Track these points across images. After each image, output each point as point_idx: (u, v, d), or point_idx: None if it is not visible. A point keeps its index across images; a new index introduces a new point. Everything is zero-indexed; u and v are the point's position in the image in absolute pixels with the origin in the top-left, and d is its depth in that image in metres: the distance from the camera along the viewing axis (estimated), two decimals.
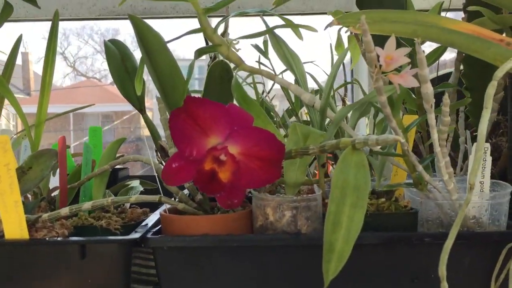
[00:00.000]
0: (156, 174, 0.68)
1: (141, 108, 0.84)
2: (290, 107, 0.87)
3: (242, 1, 1.38)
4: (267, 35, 0.73)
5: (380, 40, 0.58)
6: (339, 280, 0.52)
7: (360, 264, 0.63)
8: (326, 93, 0.64)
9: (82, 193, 0.80)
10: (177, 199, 0.69)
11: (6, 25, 1.67)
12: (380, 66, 0.54)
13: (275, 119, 0.91)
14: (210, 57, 1.02)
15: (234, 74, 0.68)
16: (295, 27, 0.68)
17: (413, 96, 0.78)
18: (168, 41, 0.64)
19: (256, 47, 0.81)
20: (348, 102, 1.09)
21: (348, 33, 0.61)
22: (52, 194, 0.82)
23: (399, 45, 0.55)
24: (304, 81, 0.68)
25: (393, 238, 0.63)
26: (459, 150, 0.83)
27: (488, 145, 0.69)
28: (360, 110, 0.74)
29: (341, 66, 1.02)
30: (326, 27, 0.63)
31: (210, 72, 0.75)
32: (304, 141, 0.62)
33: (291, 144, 0.63)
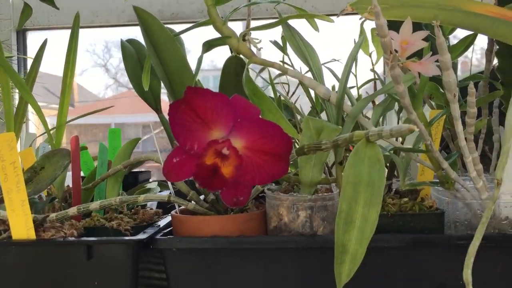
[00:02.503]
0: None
1: (157, 108, 0.82)
2: (311, 106, 0.83)
3: None
4: (282, 28, 0.70)
5: (399, 28, 0.54)
6: (356, 285, 0.48)
7: (381, 268, 0.59)
8: (342, 84, 0.60)
9: (97, 194, 0.79)
10: (188, 199, 0.66)
11: (49, 34, 1.71)
12: (396, 52, 0.50)
13: (299, 118, 0.87)
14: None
15: (247, 66, 0.65)
16: (310, 17, 0.65)
17: (441, 90, 0.73)
18: (176, 34, 0.61)
19: (275, 43, 0.77)
20: (377, 101, 1.04)
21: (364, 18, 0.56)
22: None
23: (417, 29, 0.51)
24: (320, 74, 0.64)
25: (416, 240, 0.58)
26: (494, 147, 0.77)
27: None
28: (383, 105, 0.70)
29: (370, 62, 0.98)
30: (340, 13, 0.59)
31: (225, 67, 0.73)
32: (317, 136, 0.58)
33: (305, 140, 0.60)
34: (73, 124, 0.95)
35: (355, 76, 0.87)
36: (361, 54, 0.89)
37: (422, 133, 0.56)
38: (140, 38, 0.68)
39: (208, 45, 0.61)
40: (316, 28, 0.66)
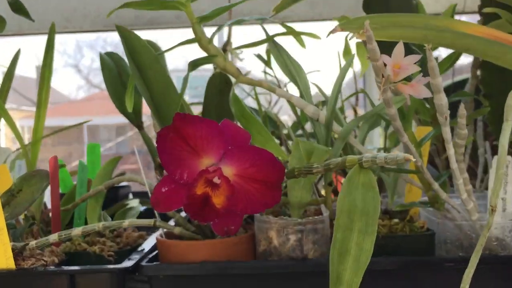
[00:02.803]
0: (150, 195, 0.64)
1: (138, 124, 0.79)
2: (295, 121, 0.82)
3: (244, 8, 1.33)
4: (268, 44, 0.69)
5: (389, 47, 0.53)
6: None
7: None
8: (331, 105, 0.59)
9: (77, 216, 0.76)
10: (173, 222, 0.65)
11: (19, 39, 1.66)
12: (388, 75, 0.49)
13: (284, 132, 0.86)
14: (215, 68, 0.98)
15: (234, 86, 0.63)
16: (297, 35, 0.63)
17: (427, 105, 0.72)
18: (159, 53, 0.59)
19: (259, 56, 0.76)
20: (361, 111, 1.04)
21: (356, 39, 0.56)
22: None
23: (409, 51, 0.50)
24: (308, 92, 0.63)
25: (408, 263, 0.58)
26: (479, 162, 0.78)
27: (510, 158, 0.63)
28: (369, 122, 0.69)
29: (353, 73, 0.97)
30: (329, 34, 0.58)
31: (209, 84, 0.71)
32: (308, 159, 0.56)
33: (295, 162, 0.59)
34: (45, 126, 0.92)
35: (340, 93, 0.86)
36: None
37: (413, 155, 0.55)
38: (117, 40, 0.65)
39: (194, 65, 0.59)
40: (303, 45, 0.65)
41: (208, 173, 0.47)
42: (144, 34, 0.65)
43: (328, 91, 0.79)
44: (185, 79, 0.59)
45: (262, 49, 0.79)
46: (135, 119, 0.79)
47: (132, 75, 0.59)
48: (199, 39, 0.60)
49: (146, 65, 0.58)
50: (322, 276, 0.57)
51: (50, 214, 0.76)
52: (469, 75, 0.83)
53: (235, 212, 0.49)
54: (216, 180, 0.47)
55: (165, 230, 0.64)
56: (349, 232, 0.47)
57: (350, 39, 0.56)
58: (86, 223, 0.76)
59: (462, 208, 0.59)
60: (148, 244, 0.70)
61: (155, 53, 0.58)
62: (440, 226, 0.61)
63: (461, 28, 0.54)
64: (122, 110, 0.80)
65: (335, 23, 1.03)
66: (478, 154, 0.78)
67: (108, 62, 0.81)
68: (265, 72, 0.94)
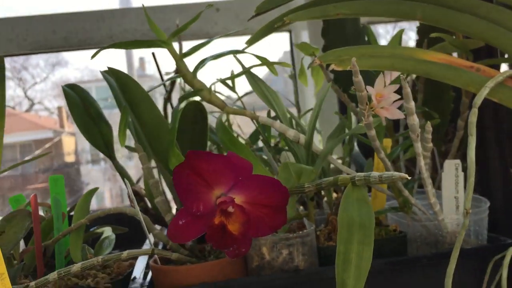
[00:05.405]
0: (143, 224, 0.66)
1: (110, 155, 0.81)
2: (260, 136, 0.87)
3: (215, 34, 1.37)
4: (239, 69, 0.73)
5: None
6: None
7: None
8: (310, 129, 0.65)
9: (57, 251, 0.75)
10: (167, 248, 0.67)
11: None
12: (372, 103, 0.56)
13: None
14: (166, 91, 1.00)
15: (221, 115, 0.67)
16: (270, 64, 0.69)
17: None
18: (149, 90, 0.62)
19: (224, 83, 0.80)
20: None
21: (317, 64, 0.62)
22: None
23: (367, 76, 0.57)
24: (285, 117, 0.68)
25: (389, 263, 0.65)
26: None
27: (458, 161, 0.73)
28: (335, 139, 0.76)
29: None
30: (309, 66, 0.64)
31: (184, 112, 0.74)
32: (298, 179, 0.62)
33: (282, 182, 0.64)
34: None
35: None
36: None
37: (388, 169, 0.63)
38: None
39: (183, 99, 0.63)
40: (275, 73, 0.70)
41: (225, 204, 0.51)
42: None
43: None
44: (176, 113, 0.62)
45: (224, 72, 0.83)
46: (107, 150, 0.80)
47: (123, 111, 0.61)
48: (184, 75, 0.63)
49: (138, 102, 0.60)
50: (314, 284, 0.64)
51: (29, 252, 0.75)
52: None
53: (248, 237, 0.53)
54: (230, 209, 0.51)
55: (158, 256, 0.67)
56: (349, 244, 0.54)
57: (309, 67, 0.63)
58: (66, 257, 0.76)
59: (427, 210, 0.68)
60: (137, 270, 0.72)
61: (145, 91, 0.60)
62: (409, 227, 0.69)
63: (422, 56, 0.62)
64: (92, 141, 0.81)
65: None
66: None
67: (72, 95, 0.82)
68: (219, 92, 0.99)
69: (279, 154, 0.82)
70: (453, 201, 0.72)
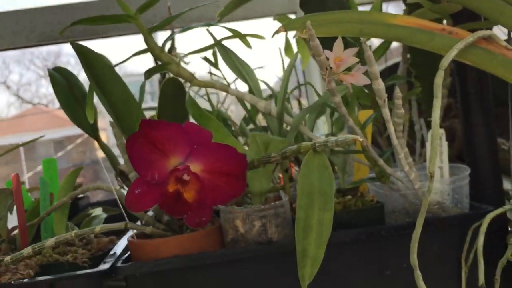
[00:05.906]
0: (118, 200, 0.67)
1: (95, 136, 0.81)
2: (247, 115, 0.87)
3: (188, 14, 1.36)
4: (215, 47, 0.73)
5: (330, 41, 0.59)
6: (314, 282, 0.53)
7: (333, 263, 0.64)
8: (281, 99, 0.64)
9: (43, 229, 0.77)
10: (143, 223, 0.68)
11: None
12: (331, 68, 0.55)
13: (232, 129, 0.90)
14: (160, 74, 1.01)
15: (187, 90, 0.67)
16: (242, 37, 0.68)
17: (366, 91, 0.79)
18: (116, 65, 0.62)
19: (206, 59, 0.80)
20: (304, 102, 1.10)
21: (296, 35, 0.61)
22: (12, 234, 0.79)
23: (347, 45, 0.56)
24: (258, 89, 0.68)
25: (364, 233, 0.64)
26: (416, 137, 0.85)
27: (442, 131, 0.71)
28: (316, 111, 0.75)
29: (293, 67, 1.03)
30: (274, 34, 0.63)
31: (163, 90, 0.74)
32: (265, 150, 0.61)
33: (252, 154, 0.63)
34: None
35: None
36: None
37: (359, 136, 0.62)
38: (49, 54, 0.67)
39: (149, 73, 0.63)
40: (248, 46, 0.69)
41: (179, 171, 0.51)
42: None
43: (272, 83, 0.84)
44: (142, 87, 0.62)
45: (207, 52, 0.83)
46: (92, 131, 0.81)
47: (90, 88, 0.62)
48: (152, 49, 0.63)
49: (105, 78, 0.61)
50: (287, 256, 0.63)
51: (15, 232, 0.77)
52: (399, 59, 0.90)
53: (206, 205, 0.53)
54: (185, 177, 0.51)
55: (135, 231, 0.68)
56: (310, 210, 0.53)
57: (294, 38, 0.62)
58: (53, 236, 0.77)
59: (406, 179, 0.66)
60: (119, 248, 0.73)
61: (112, 67, 0.61)
62: (387, 197, 0.68)
63: (391, 20, 0.60)
64: (78, 122, 0.82)
65: (270, 20, 1.09)
66: (415, 130, 0.85)
67: (58, 77, 0.83)
68: (210, 73, 0.99)
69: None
70: (437, 170, 0.70)
